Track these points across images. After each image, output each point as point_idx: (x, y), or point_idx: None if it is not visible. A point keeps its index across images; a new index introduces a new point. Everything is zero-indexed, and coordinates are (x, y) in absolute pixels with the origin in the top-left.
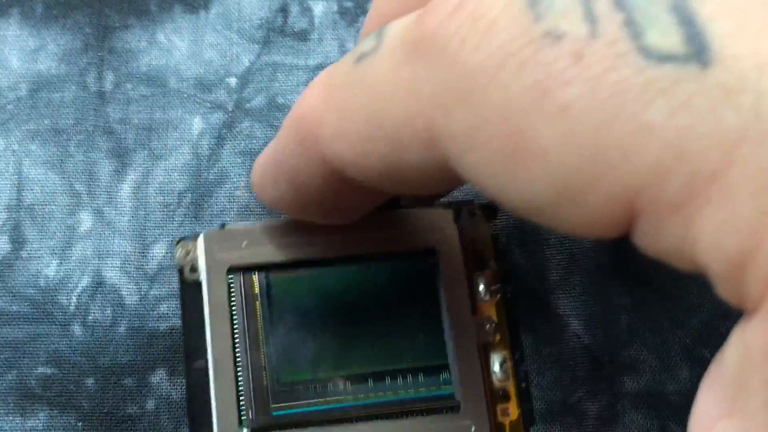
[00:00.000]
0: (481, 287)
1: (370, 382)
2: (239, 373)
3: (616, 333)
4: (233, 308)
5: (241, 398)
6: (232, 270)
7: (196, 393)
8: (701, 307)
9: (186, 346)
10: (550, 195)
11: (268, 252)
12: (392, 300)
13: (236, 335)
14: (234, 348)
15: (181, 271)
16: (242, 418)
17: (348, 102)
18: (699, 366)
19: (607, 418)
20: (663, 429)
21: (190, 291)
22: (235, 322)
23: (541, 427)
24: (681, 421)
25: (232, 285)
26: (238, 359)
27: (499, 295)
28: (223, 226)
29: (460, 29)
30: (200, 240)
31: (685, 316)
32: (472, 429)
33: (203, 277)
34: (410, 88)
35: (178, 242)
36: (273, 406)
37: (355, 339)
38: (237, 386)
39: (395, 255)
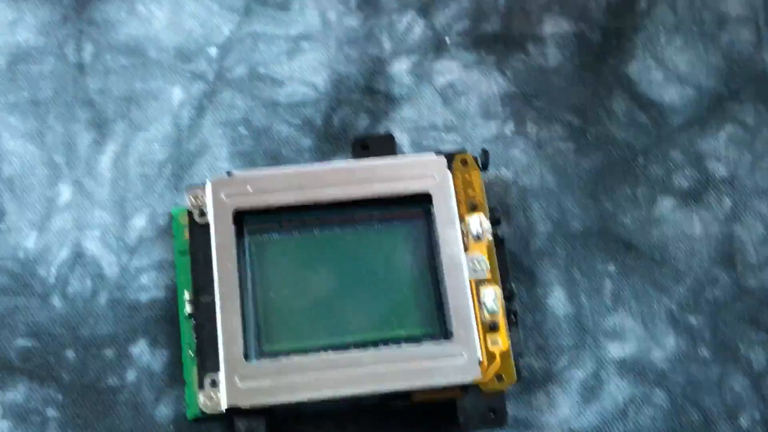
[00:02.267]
0: (473, 228)
1: (367, 319)
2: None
3: (600, 300)
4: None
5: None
6: (238, 215)
7: (204, 326)
8: (687, 273)
9: (194, 283)
10: None
11: (272, 197)
12: (388, 245)
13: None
14: (240, 285)
15: (190, 214)
16: (247, 350)
17: None
18: (685, 333)
19: (592, 386)
20: (648, 396)
21: (198, 233)
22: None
23: (525, 396)
24: (667, 389)
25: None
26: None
27: (489, 236)
28: (229, 173)
29: None
30: (208, 186)
31: (670, 282)
32: (464, 355)
33: (211, 219)
34: None
35: (187, 188)
36: (274, 341)
37: (353, 285)
38: (243, 320)
39: (392, 199)
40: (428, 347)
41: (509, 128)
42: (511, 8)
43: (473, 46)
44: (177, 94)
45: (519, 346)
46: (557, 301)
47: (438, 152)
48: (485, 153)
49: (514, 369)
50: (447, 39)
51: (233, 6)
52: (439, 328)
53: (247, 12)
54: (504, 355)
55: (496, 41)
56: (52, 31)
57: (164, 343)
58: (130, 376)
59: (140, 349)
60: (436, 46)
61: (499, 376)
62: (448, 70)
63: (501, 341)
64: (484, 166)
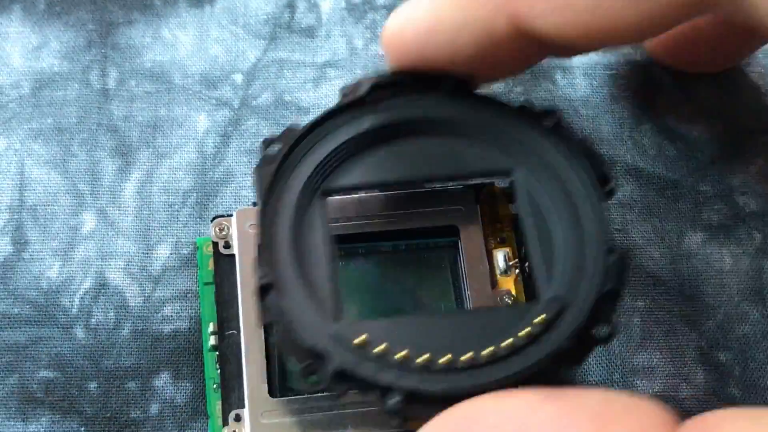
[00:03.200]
0: (501, 262)
1: None
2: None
3: (629, 336)
4: None
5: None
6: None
7: (228, 359)
8: (717, 309)
9: (219, 315)
10: None
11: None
12: (416, 276)
13: None
14: None
15: (216, 246)
16: (271, 385)
17: None
18: (714, 371)
19: None
20: None
21: (224, 263)
22: None
23: None
24: None
25: None
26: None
27: (517, 270)
28: (255, 204)
29: None
30: (234, 217)
31: (700, 318)
32: None
33: (236, 251)
34: None
35: (213, 219)
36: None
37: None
38: (266, 356)
39: (419, 231)
40: None
41: None
42: None
43: None
44: (202, 121)
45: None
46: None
47: (468, 186)
48: (512, 184)
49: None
50: None
51: (259, 32)
52: None
53: (272, 38)
54: None
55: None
56: (76, 57)
57: (187, 375)
58: (153, 409)
59: (163, 382)
60: None
61: None
62: None
63: None
64: (512, 198)
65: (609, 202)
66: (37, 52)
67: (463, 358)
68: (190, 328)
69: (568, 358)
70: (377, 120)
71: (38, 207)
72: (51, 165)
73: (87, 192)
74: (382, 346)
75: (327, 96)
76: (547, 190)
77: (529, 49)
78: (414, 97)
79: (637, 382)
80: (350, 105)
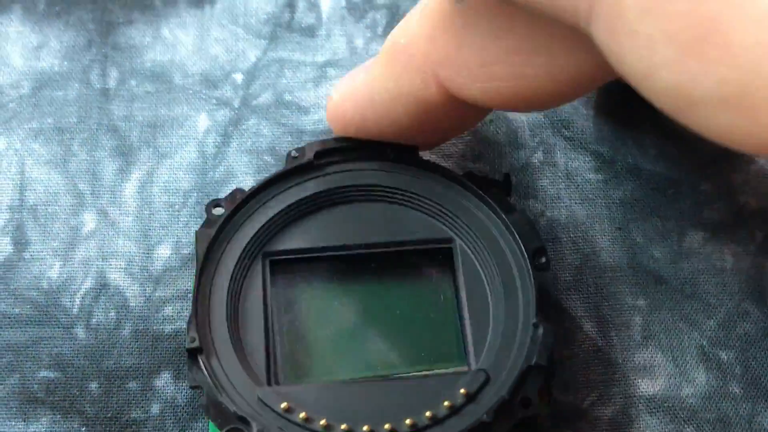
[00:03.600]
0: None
1: (385, 366)
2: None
3: (630, 335)
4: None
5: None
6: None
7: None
8: (718, 308)
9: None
10: (721, 92)
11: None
12: (414, 287)
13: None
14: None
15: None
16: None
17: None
18: (716, 369)
19: (621, 422)
20: None
21: None
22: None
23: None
24: (698, 427)
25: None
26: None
27: None
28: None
29: None
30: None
31: (701, 317)
32: None
33: None
34: None
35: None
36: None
37: (371, 335)
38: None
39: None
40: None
41: (538, 158)
42: None
43: None
44: (202, 120)
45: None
46: (586, 335)
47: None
48: (507, 177)
49: (547, 398)
50: None
51: (259, 32)
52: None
53: (273, 38)
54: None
55: None
56: (76, 57)
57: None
58: (154, 409)
59: (164, 382)
60: None
61: None
62: None
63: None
64: (507, 192)
65: (545, 272)
66: (37, 52)
67: (386, 427)
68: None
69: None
70: (321, 185)
71: (39, 207)
72: (51, 165)
73: (87, 192)
74: (304, 414)
75: (327, 95)
76: (485, 261)
77: (466, 111)
78: (359, 164)
79: (638, 381)
80: (296, 169)
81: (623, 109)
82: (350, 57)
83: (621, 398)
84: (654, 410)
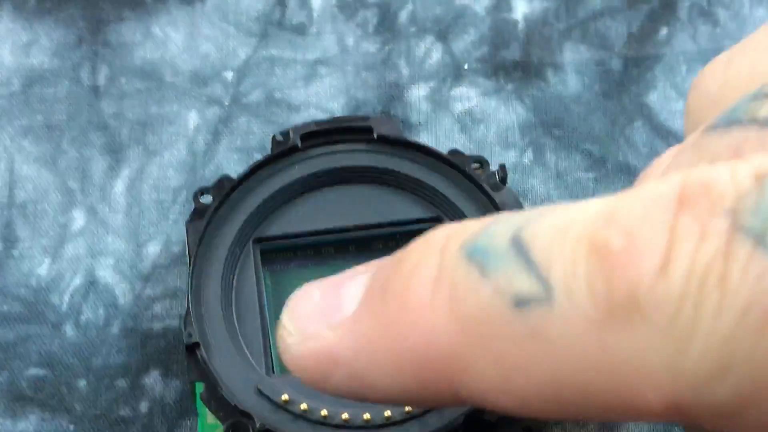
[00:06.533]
0: None
1: None
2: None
3: None
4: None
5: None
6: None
7: None
8: None
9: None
10: None
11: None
12: None
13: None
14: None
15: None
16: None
17: (518, 358)
18: None
19: (611, 426)
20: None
21: None
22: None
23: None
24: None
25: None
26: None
27: None
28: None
29: (686, 289)
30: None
31: None
32: None
33: None
34: (629, 359)
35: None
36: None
37: None
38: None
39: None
40: None
41: (528, 157)
42: (530, 35)
43: (492, 73)
44: (192, 118)
45: None
46: None
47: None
48: (502, 168)
49: None
50: (465, 66)
51: (250, 30)
52: None
53: (263, 36)
54: None
55: (515, 68)
56: (67, 54)
57: (177, 373)
58: (143, 406)
59: (153, 380)
60: (455, 73)
61: None
62: (467, 97)
63: None
64: (503, 182)
65: None
66: (27, 49)
67: (385, 414)
68: (179, 326)
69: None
70: (308, 168)
71: (28, 204)
72: (41, 162)
73: (77, 189)
74: (305, 405)
75: (318, 93)
76: None
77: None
78: (344, 145)
79: None
80: (282, 154)
81: (614, 106)
82: (341, 55)
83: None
84: None
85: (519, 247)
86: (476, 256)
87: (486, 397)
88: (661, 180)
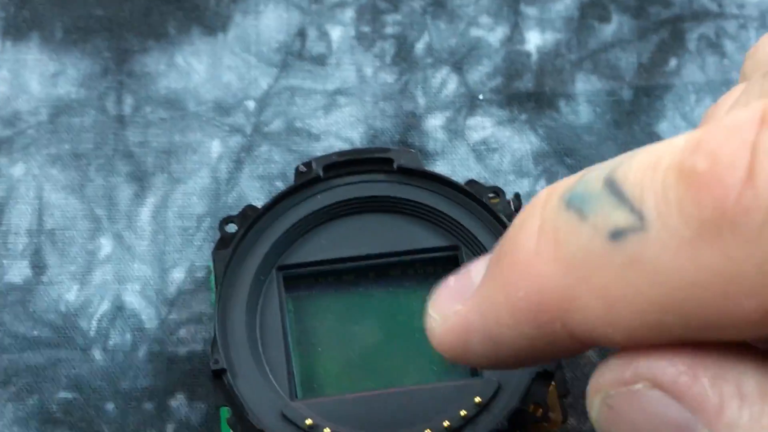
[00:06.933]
0: None
1: (402, 377)
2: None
3: None
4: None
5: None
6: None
7: None
8: None
9: None
10: None
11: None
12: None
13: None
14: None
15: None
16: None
17: (618, 287)
18: None
19: None
20: None
21: None
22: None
23: None
24: None
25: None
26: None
27: None
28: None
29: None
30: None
31: None
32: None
33: None
34: (723, 271)
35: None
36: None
37: (386, 347)
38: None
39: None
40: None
41: (541, 185)
42: (543, 66)
43: (506, 103)
44: (215, 147)
45: (563, 386)
46: (587, 359)
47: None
48: (517, 197)
49: (560, 409)
50: (480, 96)
51: (271, 60)
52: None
53: (284, 66)
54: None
55: (528, 99)
56: (93, 84)
57: (202, 396)
58: (169, 429)
59: (179, 402)
60: (470, 103)
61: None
62: (482, 126)
63: None
64: (517, 211)
65: None
66: (55, 80)
67: None
68: (203, 350)
69: None
70: (330, 198)
71: (56, 231)
72: (69, 190)
73: (104, 216)
74: (328, 429)
75: (337, 123)
76: None
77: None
78: (365, 176)
79: None
80: (304, 184)
81: (625, 135)
82: (359, 85)
83: None
84: None
85: (612, 186)
86: (574, 203)
87: (595, 332)
88: (742, 109)
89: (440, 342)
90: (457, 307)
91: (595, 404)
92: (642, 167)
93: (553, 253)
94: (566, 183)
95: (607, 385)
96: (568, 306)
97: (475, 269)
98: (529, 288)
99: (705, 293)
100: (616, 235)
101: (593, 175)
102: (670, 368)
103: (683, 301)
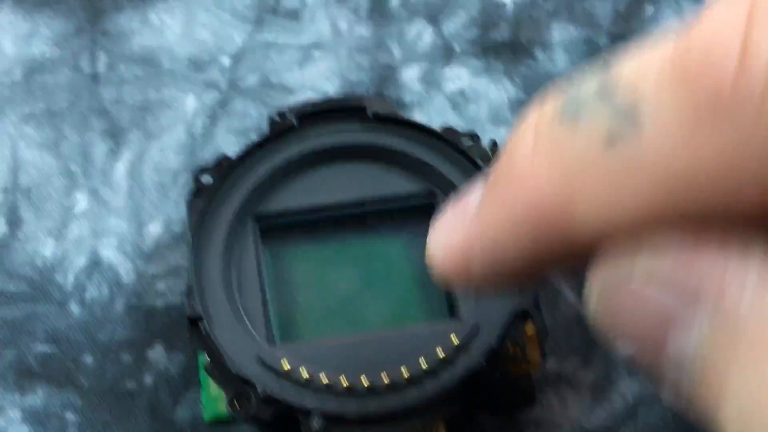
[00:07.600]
0: None
1: (378, 320)
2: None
3: None
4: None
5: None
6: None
7: None
8: None
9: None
10: None
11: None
12: (399, 242)
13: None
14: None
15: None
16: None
17: (617, 188)
18: None
19: (603, 385)
20: (657, 395)
21: None
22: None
23: (537, 396)
24: None
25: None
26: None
27: None
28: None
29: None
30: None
31: None
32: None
33: None
34: (721, 156)
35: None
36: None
37: (363, 291)
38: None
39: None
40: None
41: None
42: (518, 16)
43: (482, 53)
44: (190, 102)
45: (543, 328)
46: (566, 303)
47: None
48: (494, 144)
49: (539, 351)
50: (456, 47)
51: (245, 16)
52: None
53: (258, 22)
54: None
55: (504, 48)
56: (66, 43)
57: (180, 347)
58: (148, 379)
59: (157, 354)
60: (446, 54)
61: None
62: (458, 77)
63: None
64: (495, 156)
65: None
66: (28, 39)
67: (385, 379)
68: (181, 303)
69: (482, 379)
70: (305, 147)
71: (32, 188)
72: (43, 147)
73: (79, 173)
74: (305, 371)
75: (312, 77)
76: None
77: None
78: (340, 124)
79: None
80: (279, 133)
81: None
82: (334, 39)
83: (602, 362)
84: (634, 372)
85: (605, 92)
86: (568, 113)
87: (595, 232)
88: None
89: (443, 271)
90: (457, 233)
91: (593, 296)
92: (635, 68)
93: (549, 163)
94: (557, 94)
95: (607, 275)
96: (567, 210)
97: (472, 196)
98: (527, 200)
99: (704, 181)
100: (612, 139)
101: (585, 83)
102: (669, 256)
103: (684, 191)
